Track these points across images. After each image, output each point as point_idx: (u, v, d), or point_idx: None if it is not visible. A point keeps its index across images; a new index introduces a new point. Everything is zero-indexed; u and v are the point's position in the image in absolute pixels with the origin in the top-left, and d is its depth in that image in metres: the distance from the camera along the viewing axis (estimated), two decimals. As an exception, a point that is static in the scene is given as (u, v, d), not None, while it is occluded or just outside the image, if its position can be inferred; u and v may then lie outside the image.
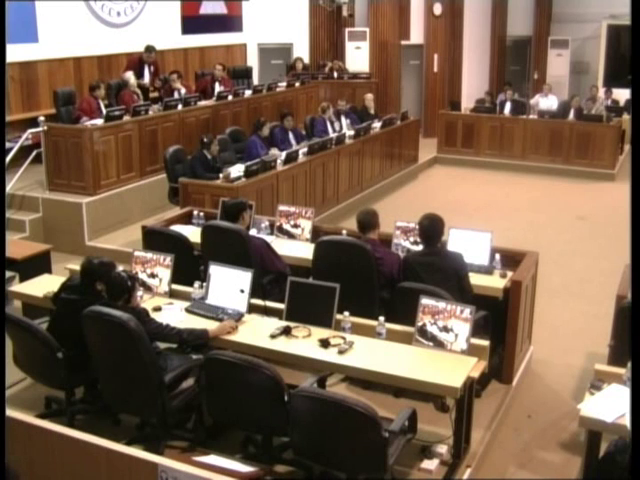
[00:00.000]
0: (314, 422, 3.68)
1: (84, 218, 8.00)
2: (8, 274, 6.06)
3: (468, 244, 5.47)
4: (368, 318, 4.65)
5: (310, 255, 5.47)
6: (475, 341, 4.26)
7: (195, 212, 6.65)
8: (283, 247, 5.94)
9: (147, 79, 10.44)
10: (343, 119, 10.76)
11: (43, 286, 5.14)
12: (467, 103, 13.98)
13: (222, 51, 13.15)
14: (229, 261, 4.93)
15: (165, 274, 5.09)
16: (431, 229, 5.03)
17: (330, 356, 4.22)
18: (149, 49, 10.39)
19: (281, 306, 4.73)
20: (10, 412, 3.48)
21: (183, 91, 10.25)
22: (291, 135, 9.54)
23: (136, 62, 10.43)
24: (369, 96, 11.57)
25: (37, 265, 5.96)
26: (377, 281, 5.11)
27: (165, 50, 11.60)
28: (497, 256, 5.48)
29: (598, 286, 6.78)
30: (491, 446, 4.61)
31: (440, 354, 4.22)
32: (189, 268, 5.60)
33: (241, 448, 4.31)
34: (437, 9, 14.43)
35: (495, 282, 5.26)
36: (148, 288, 5.10)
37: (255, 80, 13.03)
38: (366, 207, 5.64)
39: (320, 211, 8.26)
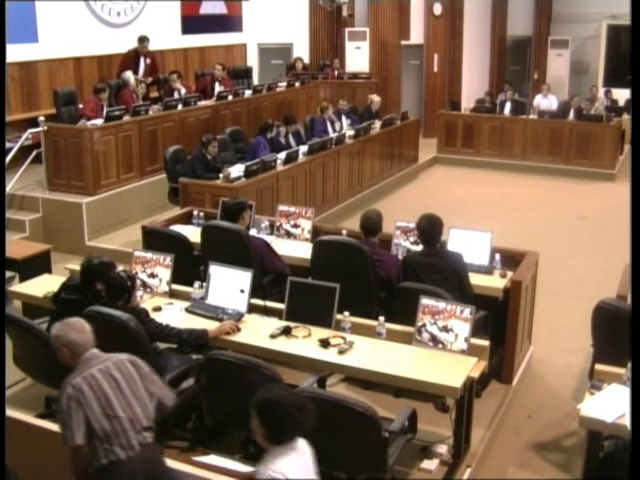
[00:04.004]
0: (314, 422, 3.67)
1: (84, 218, 8.00)
2: (8, 274, 6.07)
3: (468, 244, 5.47)
4: (365, 318, 4.66)
5: (310, 255, 5.47)
6: (475, 341, 4.26)
7: (195, 212, 6.66)
8: (283, 247, 5.94)
9: (142, 71, 10.45)
10: (344, 119, 10.77)
11: (43, 286, 5.14)
12: (467, 103, 13.99)
13: (222, 51, 13.15)
14: (229, 261, 4.93)
15: (165, 274, 5.09)
16: (430, 230, 5.03)
17: (330, 356, 4.22)
18: (142, 39, 10.42)
19: (281, 306, 4.74)
20: (10, 412, 3.49)
21: (183, 91, 10.26)
22: (290, 136, 9.52)
23: (131, 56, 10.46)
24: (376, 98, 11.56)
25: (37, 265, 5.96)
26: (374, 282, 5.11)
27: (165, 50, 11.61)
28: (497, 256, 5.48)
29: (598, 286, 6.76)
30: (491, 446, 4.61)
31: (440, 354, 4.22)
32: (189, 268, 5.60)
33: (241, 448, 4.31)
34: (437, 9, 14.43)
35: (495, 282, 5.26)
36: (148, 288, 5.10)
37: (255, 80, 13.04)
38: (371, 209, 5.57)
39: (320, 211, 8.26)
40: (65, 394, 3.13)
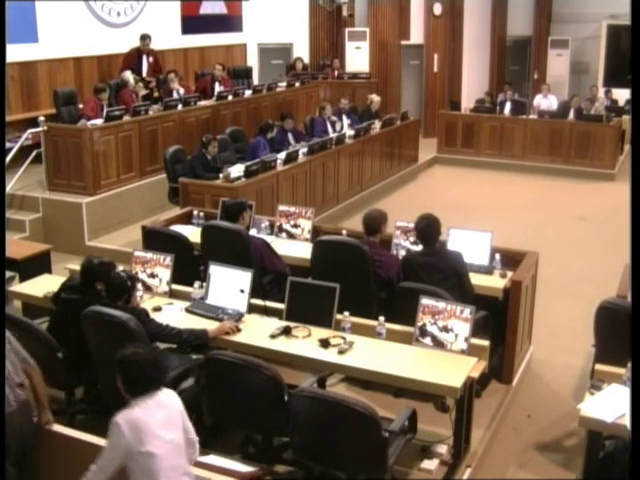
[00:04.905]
0: (314, 422, 3.68)
1: (84, 218, 8.00)
2: (8, 274, 6.06)
3: (468, 244, 5.47)
4: (365, 318, 4.65)
5: (310, 255, 5.47)
6: (475, 341, 4.26)
7: (195, 212, 6.65)
8: (283, 247, 5.94)
9: (145, 69, 10.44)
10: (345, 118, 10.77)
11: (43, 286, 5.14)
12: (467, 103, 13.98)
13: (222, 51, 13.14)
14: (229, 261, 4.93)
15: (165, 274, 5.09)
16: (428, 230, 5.03)
17: (330, 356, 4.22)
18: (144, 37, 10.43)
19: (281, 306, 4.73)
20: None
21: (182, 91, 10.26)
22: (290, 135, 9.53)
23: (133, 55, 10.45)
24: (376, 98, 11.57)
25: (37, 265, 5.96)
26: (374, 282, 5.11)
27: (165, 50, 11.60)
28: (497, 256, 5.48)
29: (598, 286, 6.76)
30: (491, 446, 4.61)
31: (440, 354, 4.22)
32: (189, 268, 5.60)
33: (241, 448, 4.32)
34: (437, 9, 14.43)
35: (495, 282, 5.26)
36: (148, 288, 5.10)
37: (255, 80, 13.03)
38: (376, 208, 5.59)
39: (320, 211, 8.26)
40: None
